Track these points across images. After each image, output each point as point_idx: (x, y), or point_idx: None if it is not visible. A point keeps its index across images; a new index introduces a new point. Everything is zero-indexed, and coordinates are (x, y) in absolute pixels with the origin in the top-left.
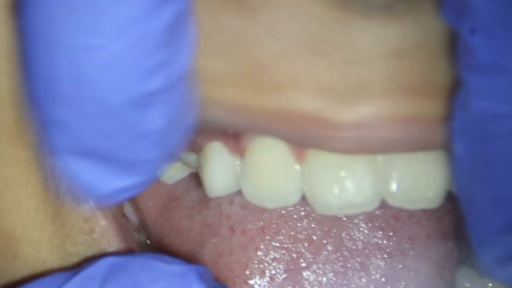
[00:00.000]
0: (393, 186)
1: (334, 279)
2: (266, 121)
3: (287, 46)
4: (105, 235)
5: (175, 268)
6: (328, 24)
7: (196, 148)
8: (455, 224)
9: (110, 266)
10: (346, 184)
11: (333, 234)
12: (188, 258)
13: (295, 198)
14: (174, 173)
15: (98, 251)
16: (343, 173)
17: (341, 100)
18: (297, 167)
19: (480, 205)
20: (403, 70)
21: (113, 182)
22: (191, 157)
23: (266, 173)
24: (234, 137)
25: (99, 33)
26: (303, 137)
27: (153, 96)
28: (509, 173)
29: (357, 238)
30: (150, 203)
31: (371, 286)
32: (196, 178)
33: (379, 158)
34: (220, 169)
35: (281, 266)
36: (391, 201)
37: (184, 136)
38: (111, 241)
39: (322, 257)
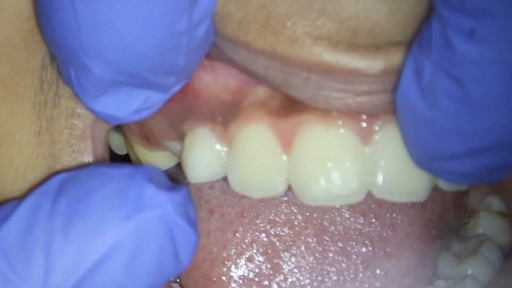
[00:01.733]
0: (380, 178)
1: (314, 262)
2: (301, 71)
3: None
4: None
5: (123, 171)
6: None
7: (182, 135)
8: (439, 212)
9: (63, 180)
10: (333, 176)
11: (314, 219)
12: None
13: (281, 188)
14: (161, 162)
15: None
16: (329, 164)
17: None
18: (284, 157)
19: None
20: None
21: (136, 101)
22: (178, 146)
23: (253, 163)
24: (222, 125)
25: None
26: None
27: (179, 38)
28: (481, 114)
29: (338, 223)
30: None
31: (351, 271)
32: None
33: (366, 149)
34: (204, 155)
35: (259, 249)
36: (377, 193)
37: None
38: None
39: (301, 241)
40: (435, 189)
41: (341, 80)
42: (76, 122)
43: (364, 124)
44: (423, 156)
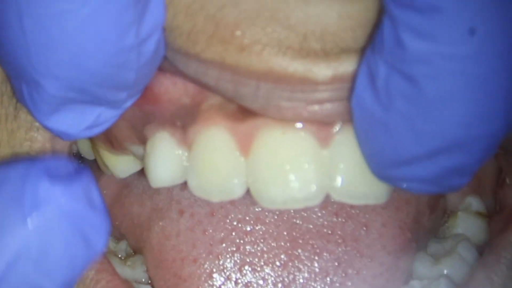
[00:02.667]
0: (338, 181)
1: (285, 259)
2: (252, 80)
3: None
4: None
5: (18, 169)
6: None
7: (144, 140)
8: (414, 215)
9: None
10: (290, 178)
11: (285, 217)
12: (138, 243)
13: (239, 192)
14: (126, 166)
15: None
16: (287, 167)
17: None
18: (242, 160)
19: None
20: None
21: (88, 118)
22: (141, 151)
23: (211, 167)
24: (182, 129)
25: None
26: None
27: (128, 53)
28: (435, 112)
29: (310, 222)
30: (105, 192)
31: (323, 269)
32: None
33: (324, 152)
34: (165, 159)
35: (228, 247)
36: (336, 196)
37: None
38: None
39: (272, 238)
40: (409, 192)
41: (291, 89)
42: (35, 135)
43: (323, 127)
44: (380, 163)
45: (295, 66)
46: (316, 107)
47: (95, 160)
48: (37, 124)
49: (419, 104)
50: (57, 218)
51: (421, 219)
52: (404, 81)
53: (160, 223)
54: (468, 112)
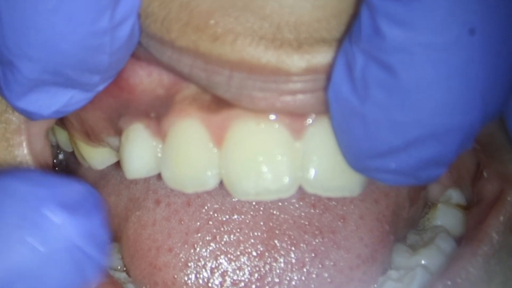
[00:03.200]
0: (311, 173)
1: (261, 249)
2: (226, 69)
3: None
4: None
5: (35, 192)
6: None
7: (120, 132)
8: (393, 208)
9: None
10: (263, 170)
11: (262, 208)
12: (115, 233)
13: (212, 183)
14: (103, 158)
15: None
16: (260, 159)
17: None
18: (216, 152)
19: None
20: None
21: (60, 100)
22: (117, 142)
23: (185, 158)
24: (156, 120)
25: None
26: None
27: (101, 36)
28: (412, 102)
29: (287, 213)
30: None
31: (300, 259)
32: None
33: (298, 144)
34: (139, 151)
35: (204, 236)
36: (309, 188)
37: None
38: None
39: (249, 229)
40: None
41: (264, 79)
42: (10, 117)
43: (296, 119)
44: (356, 155)
45: (268, 57)
46: (289, 98)
47: (73, 152)
48: None
49: (396, 94)
50: (63, 255)
51: (401, 212)
52: (381, 70)
53: (137, 213)
54: (445, 102)
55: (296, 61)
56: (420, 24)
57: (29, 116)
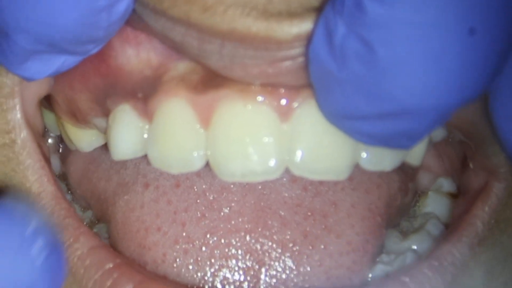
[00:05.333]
0: (298, 156)
1: (250, 227)
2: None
3: None
4: (25, 146)
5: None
6: None
7: (107, 113)
8: (386, 199)
9: None
10: (250, 151)
11: (252, 188)
12: (104, 218)
13: (199, 164)
14: (90, 140)
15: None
16: (247, 140)
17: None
18: (202, 132)
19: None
20: None
21: (54, 64)
22: (104, 123)
23: (171, 138)
24: (143, 101)
25: None
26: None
27: (98, 13)
28: (387, 78)
29: (278, 193)
30: (72, 167)
31: (290, 239)
32: None
33: (285, 126)
34: (126, 132)
35: (193, 215)
36: (295, 171)
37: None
38: (31, 153)
39: (239, 207)
40: (379, 175)
41: (255, 48)
42: (4, 79)
43: (283, 101)
44: (334, 114)
45: (258, 26)
46: (281, 65)
47: (61, 136)
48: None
49: (372, 68)
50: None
51: (394, 204)
52: (361, 44)
53: (125, 197)
54: (420, 82)
55: (286, 29)
56: (401, 1)
57: (24, 78)
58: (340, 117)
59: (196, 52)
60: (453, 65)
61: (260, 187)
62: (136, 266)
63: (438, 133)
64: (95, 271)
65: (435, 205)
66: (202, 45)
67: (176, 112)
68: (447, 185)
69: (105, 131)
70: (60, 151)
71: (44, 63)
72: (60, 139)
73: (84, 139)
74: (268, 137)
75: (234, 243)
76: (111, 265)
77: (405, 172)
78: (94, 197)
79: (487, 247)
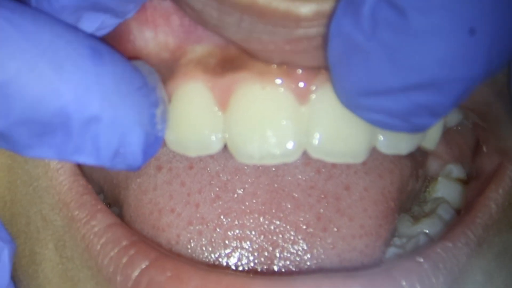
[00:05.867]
0: (316, 138)
1: (263, 208)
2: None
3: None
4: None
5: None
6: None
7: None
8: (398, 185)
9: None
10: (268, 134)
11: (266, 169)
12: (115, 203)
13: (217, 146)
14: None
15: None
16: (265, 122)
17: None
18: (220, 115)
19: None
20: None
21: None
22: None
23: (189, 121)
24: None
25: None
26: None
27: None
28: (419, 47)
29: (292, 175)
30: None
31: (304, 222)
32: None
33: (303, 109)
34: None
35: (206, 196)
36: (313, 153)
37: None
38: None
39: (253, 188)
40: (392, 161)
41: (274, 24)
42: None
43: (301, 84)
44: (352, 91)
45: (278, 1)
46: (299, 43)
47: None
48: None
49: (403, 36)
50: None
51: (405, 189)
52: (393, 11)
53: (138, 180)
54: (451, 51)
55: (307, 5)
56: None
57: None
58: (359, 93)
59: (215, 22)
60: (484, 38)
61: (273, 169)
62: (152, 244)
63: (453, 118)
64: (111, 248)
65: (445, 190)
66: (221, 16)
67: (194, 95)
68: (456, 171)
69: None
70: None
71: (83, 22)
72: None
73: None
74: (286, 120)
75: (248, 224)
76: (127, 243)
77: (415, 158)
78: (107, 182)
79: (501, 229)
